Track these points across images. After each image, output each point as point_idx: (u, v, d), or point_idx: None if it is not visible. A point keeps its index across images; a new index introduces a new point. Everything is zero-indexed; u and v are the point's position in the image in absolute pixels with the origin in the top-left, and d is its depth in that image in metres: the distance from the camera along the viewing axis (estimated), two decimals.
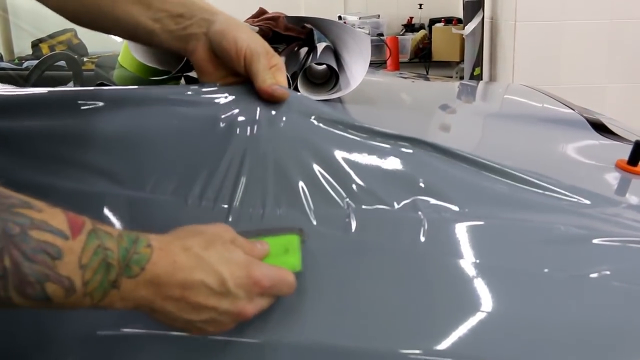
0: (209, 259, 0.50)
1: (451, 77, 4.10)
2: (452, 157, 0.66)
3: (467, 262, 0.59)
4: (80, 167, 0.60)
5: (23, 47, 2.64)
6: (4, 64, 2.36)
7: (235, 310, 0.52)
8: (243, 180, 0.61)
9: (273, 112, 0.66)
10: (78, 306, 0.45)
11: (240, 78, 0.68)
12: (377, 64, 4.30)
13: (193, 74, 1.00)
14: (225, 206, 0.60)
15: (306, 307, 0.58)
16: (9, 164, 0.61)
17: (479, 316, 0.57)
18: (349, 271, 0.59)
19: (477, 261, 0.59)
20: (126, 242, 0.47)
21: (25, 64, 2.14)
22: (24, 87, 1.48)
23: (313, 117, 0.66)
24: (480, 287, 0.59)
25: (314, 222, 0.60)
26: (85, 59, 2.10)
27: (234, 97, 0.67)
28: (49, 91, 0.66)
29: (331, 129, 0.66)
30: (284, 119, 0.66)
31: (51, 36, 2.49)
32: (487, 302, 0.58)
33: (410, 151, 0.66)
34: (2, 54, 2.63)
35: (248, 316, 0.53)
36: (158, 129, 0.64)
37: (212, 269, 0.50)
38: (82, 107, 0.63)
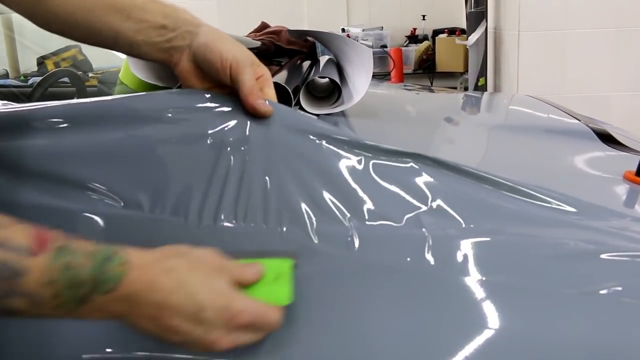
0: (189, 284, 0.49)
1: (455, 87, 4.09)
2: (456, 172, 0.64)
3: (473, 280, 0.58)
4: (75, 186, 0.60)
5: (29, 65, 2.66)
6: (10, 81, 2.37)
7: (207, 341, 0.50)
8: (244, 197, 0.60)
9: (271, 129, 0.65)
10: (51, 317, 0.45)
11: (226, 89, 0.67)
12: (380, 76, 4.31)
13: None
14: (227, 224, 0.59)
15: (307, 330, 0.56)
16: (6, 183, 0.60)
17: (486, 335, 0.55)
18: (351, 291, 0.58)
19: (483, 279, 0.58)
20: (100, 258, 0.46)
21: (31, 81, 2.15)
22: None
23: (312, 134, 0.65)
24: (487, 306, 0.57)
25: (316, 240, 0.59)
26: (90, 75, 2.11)
27: (230, 109, 0.66)
28: (40, 107, 0.65)
29: (331, 146, 0.65)
30: (282, 135, 0.65)
31: (56, 53, 2.51)
32: (494, 321, 0.56)
33: (413, 166, 0.64)
34: (9, 71, 2.65)
35: (220, 349, 0.51)
36: (153, 146, 0.63)
37: (192, 295, 0.49)
38: (72, 124, 0.63)
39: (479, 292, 0.57)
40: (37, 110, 0.65)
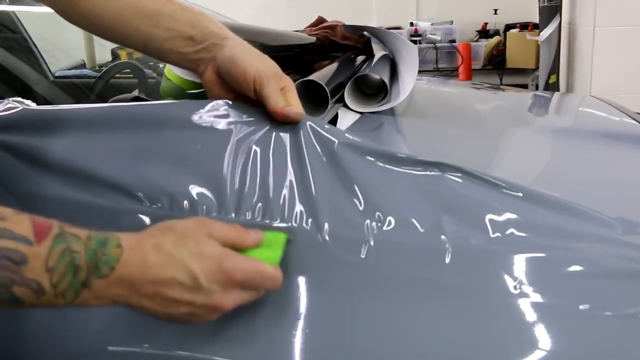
0: (179, 256, 0.51)
1: (526, 85, 3.95)
2: (483, 182, 0.61)
3: (495, 296, 0.55)
4: (103, 183, 0.61)
5: (105, 55, 2.78)
6: (85, 71, 2.48)
7: (211, 304, 0.52)
8: (262, 197, 0.60)
9: (293, 135, 0.64)
10: (53, 305, 0.47)
11: (250, 102, 0.67)
12: (448, 72, 4.22)
13: None
14: (249, 215, 0.59)
15: (317, 341, 0.55)
16: (38, 178, 0.63)
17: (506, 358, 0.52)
18: (362, 302, 0.56)
19: (506, 296, 0.54)
20: (94, 243, 0.48)
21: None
22: (87, 96, 1.54)
23: (336, 142, 0.64)
24: (512, 326, 0.53)
25: (330, 245, 0.58)
26: (160, 65, 2.17)
27: (253, 117, 0.66)
28: (74, 109, 0.68)
29: (353, 153, 0.63)
30: (301, 141, 0.64)
31: None
32: (514, 343, 0.53)
33: (437, 174, 0.62)
34: (85, 61, 2.78)
35: (226, 309, 0.52)
36: (179, 147, 0.64)
37: (183, 265, 0.50)
38: (106, 124, 0.65)
39: (504, 311, 0.54)
40: (70, 112, 0.68)
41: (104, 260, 0.48)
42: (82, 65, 2.73)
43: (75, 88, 1.78)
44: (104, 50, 2.74)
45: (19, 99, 0.67)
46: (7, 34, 1.67)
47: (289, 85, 0.67)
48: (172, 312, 0.51)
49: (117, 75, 1.71)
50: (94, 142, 0.64)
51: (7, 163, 0.64)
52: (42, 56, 1.76)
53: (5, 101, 0.67)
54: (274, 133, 0.65)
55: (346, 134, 0.65)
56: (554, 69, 3.14)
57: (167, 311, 0.51)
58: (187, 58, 0.68)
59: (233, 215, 0.59)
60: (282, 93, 0.66)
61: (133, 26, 0.67)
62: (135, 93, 1.50)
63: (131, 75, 1.67)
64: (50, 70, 1.79)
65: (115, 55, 2.77)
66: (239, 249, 0.54)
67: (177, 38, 0.67)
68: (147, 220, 0.60)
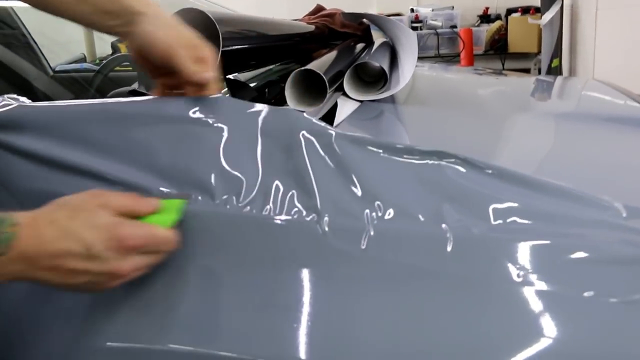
0: (73, 228, 0.52)
1: (529, 69, 3.93)
2: (484, 170, 0.60)
3: (499, 285, 0.54)
4: (101, 179, 0.61)
5: (106, 48, 2.77)
6: (86, 65, 2.48)
7: (108, 271, 0.53)
8: (262, 190, 0.60)
9: (292, 126, 0.64)
10: None
11: (174, 75, 0.67)
12: (449, 57, 4.19)
13: (233, 76, 1.00)
14: (248, 208, 0.58)
15: (319, 333, 0.54)
16: (37, 176, 0.63)
17: (516, 348, 0.51)
18: (362, 294, 0.55)
19: (509, 285, 0.53)
20: None
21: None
22: (87, 90, 1.53)
23: (334, 134, 0.63)
24: (513, 314, 0.52)
25: (329, 235, 0.57)
26: None
27: (247, 110, 0.66)
28: (70, 105, 0.68)
29: (350, 144, 0.63)
30: (301, 132, 0.63)
31: None
32: (520, 331, 0.52)
33: (437, 162, 0.61)
34: (86, 55, 2.77)
35: (124, 274, 0.54)
36: (175, 142, 0.64)
37: (77, 236, 0.52)
38: (102, 120, 0.64)
39: (507, 299, 0.53)
40: (66, 108, 0.67)
41: (2, 239, 0.49)
42: (83, 59, 2.72)
43: (75, 82, 1.78)
44: (103, 44, 2.73)
45: (14, 95, 0.67)
46: (5, 30, 1.66)
47: (208, 56, 0.67)
48: (73, 282, 0.53)
49: (117, 68, 1.71)
50: (91, 138, 0.64)
51: (5, 161, 0.64)
52: (41, 51, 1.75)
53: (0, 98, 0.66)
54: (270, 126, 0.64)
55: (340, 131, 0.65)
56: (557, 52, 3.12)
57: (67, 281, 0.53)
58: (114, 32, 0.69)
59: (229, 207, 0.59)
60: (199, 62, 0.66)
61: (60, 2, 0.68)
62: (135, 86, 1.50)
63: (130, 68, 1.66)
64: (50, 65, 1.79)
65: (114, 48, 2.76)
66: (135, 216, 0.56)
67: (99, 13, 0.68)
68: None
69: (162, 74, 0.69)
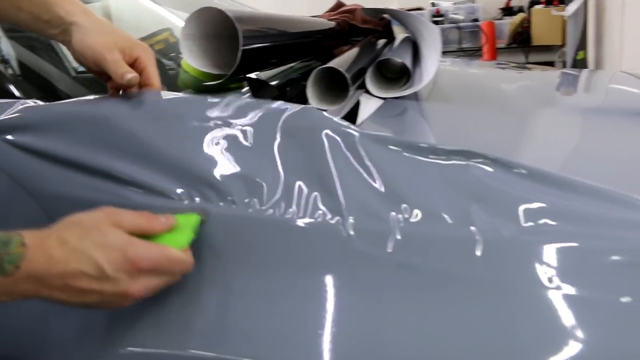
0: (84, 248, 0.51)
1: (553, 62, 3.86)
2: (513, 170, 0.58)
3: (530, 290, 0.52)
4: (121, 181, 0.61)
5: None
6: None
7: (120, 292, 0.53)
8: (287, 191, 0.59)
9: (315, 127, 0.63)
10: None
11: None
12: (471, 52, 4.14)
13: (254, 75, 0.99)
14: (271, 211, 0.57)
15: (344, 339, 0.53)
16: (58, 178, 0.63)
17: (541, 356, 0.49)
18: (390, 299, 0.54)
19: (541, 289, 0.51)
20: None
21: None
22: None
23: (357, 135, 0.62)
24: (545, 320, 0.51)
25: (353, 238, 0.56)
26: (180, 57, 2.17)
27: (269, 111, 0.65)
28: (89, 102, 0.68)
29: (376, 144, 0.61)
30: (324, 133, 0.62)
31: (149, 37, 2.61)
32: (552, 338, 0.50)
33: (464, 163, 0.59)
34: None
35: (136, 295, 0.53)
36: (197, 142, 0.63)
37: (88, 257, 0.51)
38: (120, 118, 0.64)
39: (539, 304, 0.51)
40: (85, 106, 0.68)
41: (9, 259, 0.49)
42: None
43: (97, 83, 1.78)
44: None
45: (33, 100, 0.67)
46: (28, 33, 1.68)
47: (142, 55, 0.69)
48: (84, 300, 0.53)
49: None
50: (109, 139, 0.63)
51: (26, 164, 0.64)
52: (63, 53, 1.76)
53: (18, 103, 0.67)
54: (292, 126, 0.63)
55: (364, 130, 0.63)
56: (582, 44, 3.06)
57: (78, 300, 0.53)
58: (58, 40, 0.70)
59: (251, 210, 0.58)
60: (136, 66, 0.67)
61: (3, 7, 0.69)
62: None
63: None
64: (72, 67, 1.80)
65: None
66: (148, 235, 0.55)
67: (38, 21, 0.69)
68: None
69: (108, 78, 0.70)
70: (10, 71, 1.30)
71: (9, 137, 0.65)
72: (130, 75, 0.66)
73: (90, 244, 0.52)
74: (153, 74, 0.70)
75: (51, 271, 0.51)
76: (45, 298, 0.52)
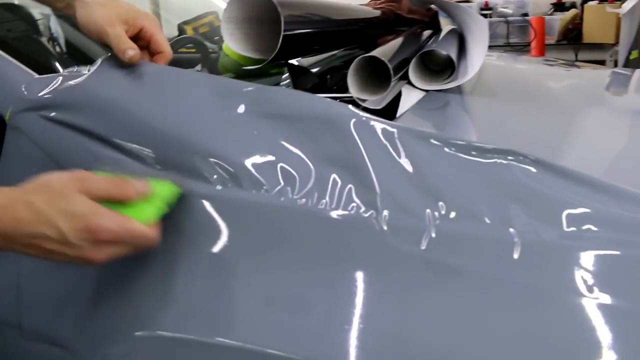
0: (49, 214, 0.53)
1: (604, 61, 3.74)
2: (558, 173, 0.56)
3: (568, 297, 0.50)
4: (156, 160, 0.61)
5: (172, 30, 2.82)
6: None
7: (83, 257, 0.54)
8: (320, 181, 0.58)
9: (352, 120, 0.61)
10: None
11: None
12: (519, 47, 4.04)
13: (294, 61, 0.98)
14: (304, 200, 0.56)
15: (373, 337, 0.52)
16: (91, 154, 0.63)
17: None
18: (421, 299, 0.52)
19: (580, 297, 0.49)
20: None
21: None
22: None
23: (396, 129, 0.60)
24: (582, 330, 0.49)
25: (387, 233, 0.54)
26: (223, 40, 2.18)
27: (302, 103, 0.64)
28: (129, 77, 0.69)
29: (415, 139, 0.60)
30: (362, 126, 0.60)
31: (195, 19, 2.63)
32: (589, 350, 0.48)
33: (507, 162, 0.57)
34: None
35: (98, 262, 0.54)
36: (237, 131, 0.63)
37: (52, 223, 0.53)
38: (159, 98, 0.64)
39: (577, 313, 0.49)
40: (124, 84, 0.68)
41: None
42: None
43: None
44: (170, 27, 2.79)
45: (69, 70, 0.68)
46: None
47: (147, 23, 0.69)
48: (52, 258, 0.54)
49: (181, 50, 1.72)
50: (144, 119, 0.63)
51: (60, 140, 0.65)
52: None
53: (58, 77, 0.67)
54: (328, 118, 0.62)
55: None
56: (636, 43, 2.95)
57: (47, 257, 0.54)
58: (66, 14, 0.71)
59: (283, 199, 0.57)
60: (142, 34, 0.68)
61: None
62: (198, 68, 1.50)
63: (194, 50, 1.67)
64: None
65: (181, 30, 2.81)
66: (119, 202, 0.55)
67: None
68: (209, 201, 0.59)
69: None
70: (58, 49, 1.33)
71: (46, 112, 0.66)
72: (132, 52, 0.67)
73: (56, 211, 0.53)
74: (162, 41, 0.71)
75: (17, 231, 0.53)
76: (18, 252, 0.54)
